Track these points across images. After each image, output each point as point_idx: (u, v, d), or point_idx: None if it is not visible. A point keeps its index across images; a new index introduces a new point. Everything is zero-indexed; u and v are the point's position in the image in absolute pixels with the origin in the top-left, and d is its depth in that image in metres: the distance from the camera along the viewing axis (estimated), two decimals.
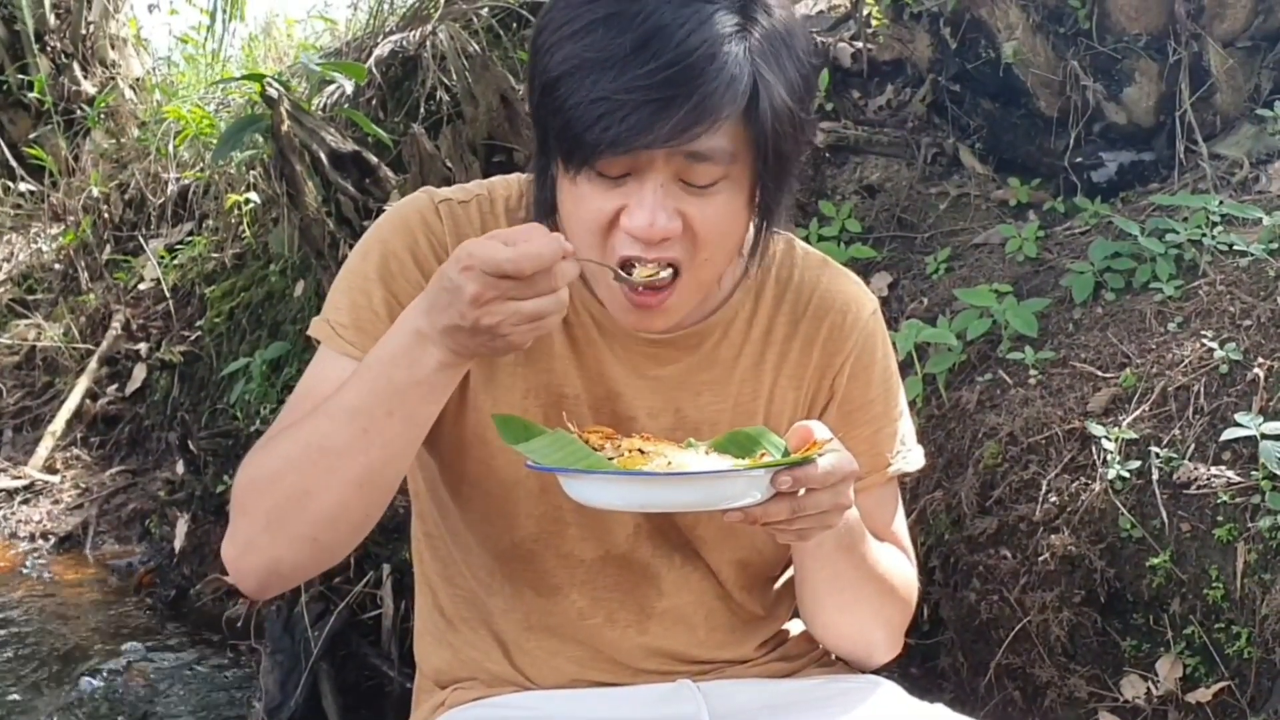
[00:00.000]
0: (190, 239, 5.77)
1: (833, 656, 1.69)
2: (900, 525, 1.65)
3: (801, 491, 1.28)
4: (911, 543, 1.68)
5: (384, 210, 4.21)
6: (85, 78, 7.40)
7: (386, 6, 5.50)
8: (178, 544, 4.46)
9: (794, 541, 1.42)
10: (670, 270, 1.36)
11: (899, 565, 1.60)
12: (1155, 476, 2.47)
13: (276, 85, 3.97)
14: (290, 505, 1.35)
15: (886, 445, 1.60)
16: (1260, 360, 2.54)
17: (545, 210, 1.43)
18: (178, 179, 6.08)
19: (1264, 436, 2.38)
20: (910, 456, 1.63)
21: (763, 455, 1.35)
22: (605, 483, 1.26)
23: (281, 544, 1.37)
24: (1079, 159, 3.38)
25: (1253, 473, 2.38)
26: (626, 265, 1.36)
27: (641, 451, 1.32)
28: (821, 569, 1.50)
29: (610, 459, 1.31)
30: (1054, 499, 2.55)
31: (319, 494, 1.34)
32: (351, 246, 4.18)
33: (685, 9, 1.26)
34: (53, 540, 4.87)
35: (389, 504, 1.41)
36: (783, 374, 1.56)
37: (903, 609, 1.61)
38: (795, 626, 1.70)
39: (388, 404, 1.31)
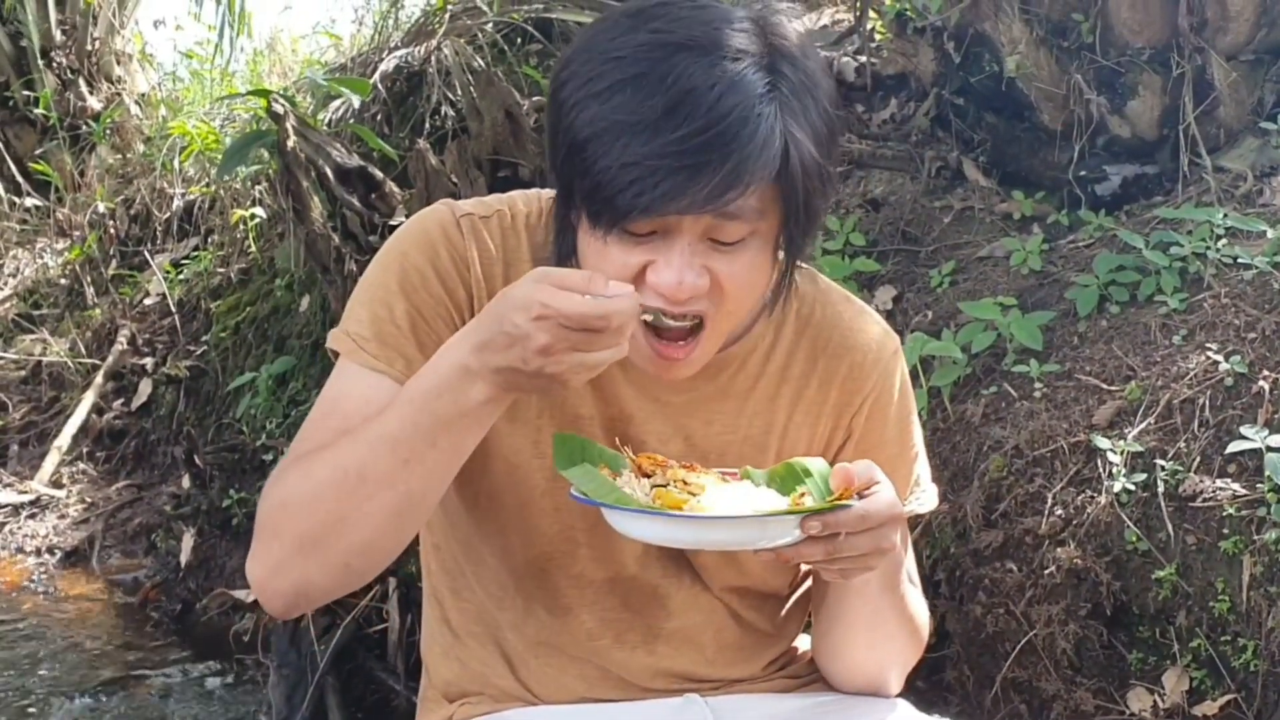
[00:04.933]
0: (196, 254, 5.78)
1: None
2: (912, 566, 1.64)
3: (841, 535, 1.28)
4: (918, 558, 1.68)
5: (390, 225, 4.23)
6: (91, 93, 7.42)
7: (391, 22, 5.54)
8: (184, 558, 4.46)
9: (837, 580, 1.43)
10: (695, 320, 1.37)
11: (922, 606, 1.60)
12: (1161, 489, 2.47)
13: (282, 100, 3.99)
14: (325, 531, 1.34)
15: (900, 486, 1.59)
16: (1265, 373, 2.54)
17: (564, 254, 1.42)
18: (183, 194, 6.10)
19: (1269, 449, 2.38)
20: (924, 498, 1.62)
21: (803, 494, 1.35)
22: (636, 519, 1.29)
23: (313, 568, 1.36)
24: (1083, 172, 3.38)
25: (1258, 485, 2.38)
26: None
27: (685, 483, 1.33)
28: (864, 606, 1.50)
29: (656, 486, 1.33)
30: (1059, 512, 2.55)
31: (355, 522, 1.33)
32: (357, 261, 4.21)
33: (714, 69, 1.25)
34: (59, 555, 4.87)
35: (417, 531, 1.43)
36: (798, 410, 1.55)
37: (918, 650, 1.62)
38: (803, 644, 1.70)
39: (431, 435, 1.30)
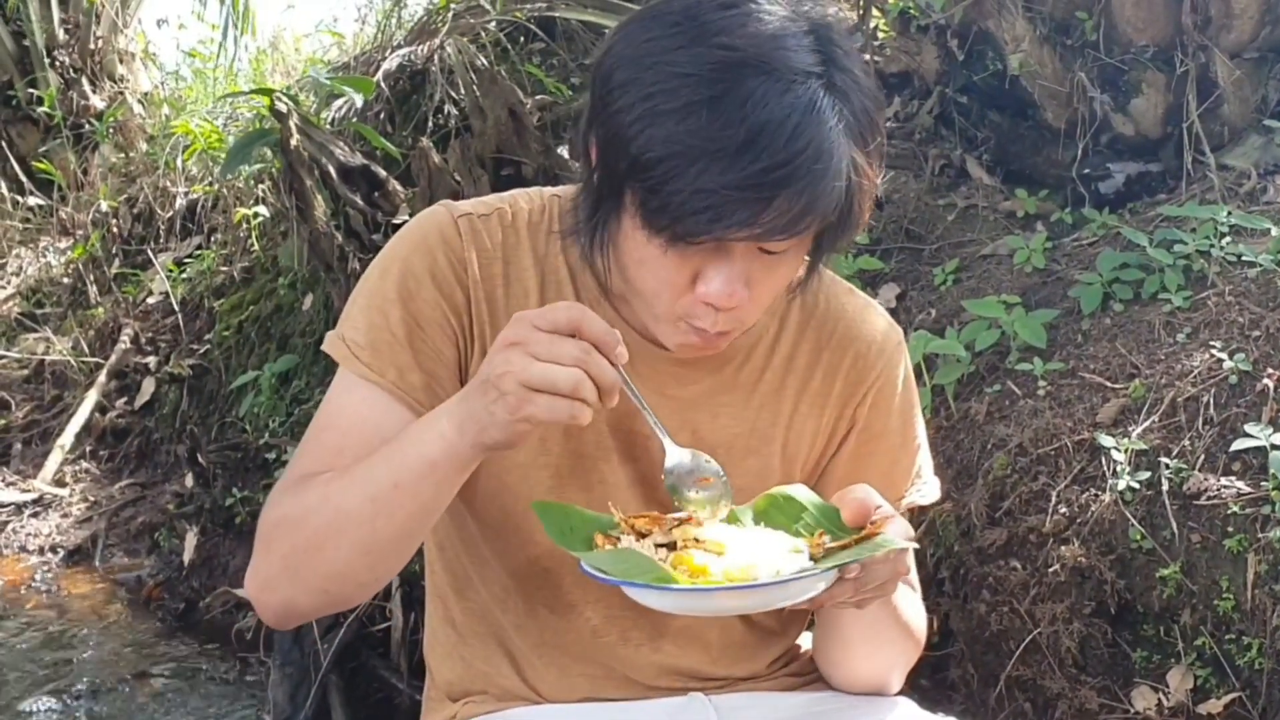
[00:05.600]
0: (199, 253, 5.79)
1: None
2: (911, 566, 1.64)
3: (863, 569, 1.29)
4: (922, 556, 1.68)
5: (394, 224, 4.21)
6: (94, 92, 7.44)
7: (394, 21, 5.54)
8: (186, 556, 4.47)
9: (852, 609, 1.42)
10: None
11: (918, 609, 1.60)
12: (1165, 487, 2.46)
13: (285, 99, 3.99)
14: (304, 555, 1.37)
15: (902, 477, 1.60)
16: (1269, 371, 2.54)
17: (598, 245, 1.40)
18: (186, 193, 6.10)
19: (1274, 447, 2.38)
20: (926, 490, 1.62)
21: (820, 535, 1.33)
22: (680, 596, 1.24)
23: (297, 588, 1.40)
24: (1086, 170, 3.38)
25: (1263, 483, 2.38)
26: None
27: (697, 540, 1.30)
28: (859, 620, 1.50)
29: (660, 546, 1.31)
30: (1064, 510, 2.55)
31: (329, 551, 1.36)
32: (360, 259, 4.20)
33: (787, 96, 1.25)
34: (62, 553, 4.88)
35: (402, 568, 1.43)
36: (803, 401, 1.56)
37: (917, 651, 1.62)
38: (807, 641, 1.70)
39: (395, 476, 1.32)
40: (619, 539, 1.33)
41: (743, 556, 1.27)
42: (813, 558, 1.30)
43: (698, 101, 1.24)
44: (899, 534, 1.32)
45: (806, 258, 1.43)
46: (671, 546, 1.31)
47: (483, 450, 1.29)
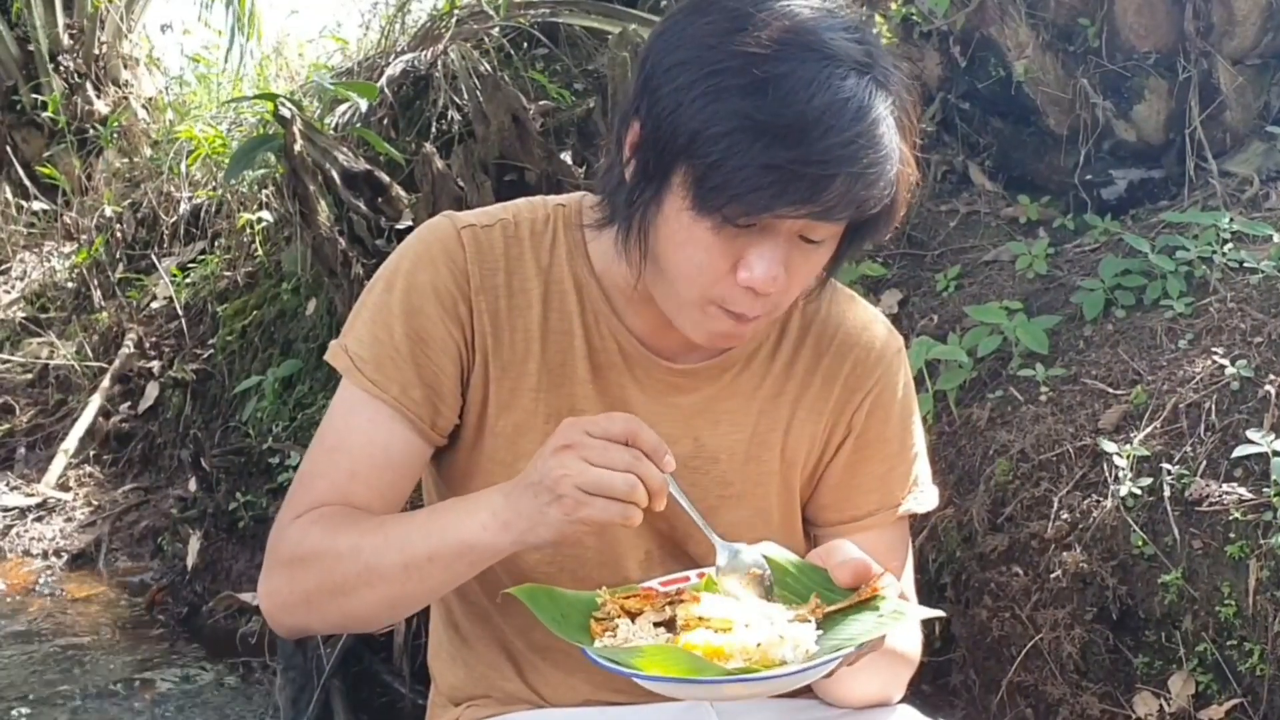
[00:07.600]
0: (202, 257, 5.79)
1: None
2: (907, 573, 1.63)
3: None
4: (923, 562, 1.68)
5: (397, 229, 4.20)
6: (98, 97, 7.44)
7: (398, 26, 5.54)
8: (190, 561, 4.47)
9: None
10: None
11: (912, 629, 1.59)
12: (1167, 493, 2.47)
13: (289, 105, 4.00)
14: (329, 596, 1.42)
15: (899, 484, 1.60)
16: (1271, 377, 2.54)
17: (631, 233, 1.41)
18: (190, 198, 6.10)
19: (1275, 453, 2.38)
20: (922, 498, 1.63)
21: (814, 597, 1.33)
22: (732, 687, 1.23)
23: (314, 618, 1.47)
24: (1089, 176, 3.38)
25: (1264, 490, 2.38)
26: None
27: (702, 619, 1.29)
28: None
29: (655, 624, 1.31)
30: (1065, 516, 2.55)
31: (354, 599, 1.41)
32: (364, 265, 4.20)
33: (848, 80, 1.28)
34: (65, 557, 4.88)
35: None
36: (801, 407, 1.57)
37: (910, 669, 1.62)
38: None
39: (431, 550, 1.37)
40: (612, 619, 1.33)
41: (757, 634, 1.26)
42: (819, 625, 1.29)
43: (764, 79, 1.27)
44: (895, 588, 1.33)
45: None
46: (669, 624, 1.31)
47: (524, 546, 1.33)
